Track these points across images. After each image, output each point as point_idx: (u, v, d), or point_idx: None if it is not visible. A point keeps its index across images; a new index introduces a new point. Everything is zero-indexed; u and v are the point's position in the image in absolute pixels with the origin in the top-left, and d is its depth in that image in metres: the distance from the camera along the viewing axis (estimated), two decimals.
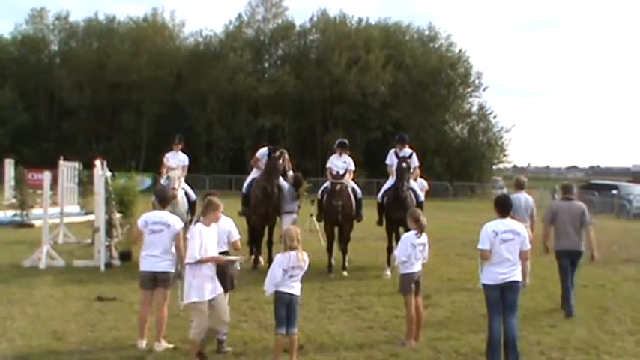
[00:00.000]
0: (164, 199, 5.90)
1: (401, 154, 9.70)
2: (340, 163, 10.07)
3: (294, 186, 10.25)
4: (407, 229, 6.36)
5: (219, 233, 5.57)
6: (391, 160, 10.05)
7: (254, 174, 10.63)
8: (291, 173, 10.51)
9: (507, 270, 5.41)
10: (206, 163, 36.89)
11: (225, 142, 37.99)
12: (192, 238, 5.20)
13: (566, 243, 7.56)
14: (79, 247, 11.23)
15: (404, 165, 9.37)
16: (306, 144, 38.86)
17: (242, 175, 30.97)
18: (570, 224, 7.57)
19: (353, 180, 10.27)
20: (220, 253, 5.64)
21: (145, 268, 5.70)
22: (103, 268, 9.43)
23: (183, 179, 10.01)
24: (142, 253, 5.77)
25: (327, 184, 10.15)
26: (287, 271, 5.23)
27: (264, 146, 10.53)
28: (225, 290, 5.67)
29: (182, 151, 11.04)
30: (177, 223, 5.70)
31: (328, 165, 10.35)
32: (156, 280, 5.66)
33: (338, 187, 9.47)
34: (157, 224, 5.66)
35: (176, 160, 10.61)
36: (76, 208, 14.87)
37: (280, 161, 9.86)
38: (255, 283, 8.07)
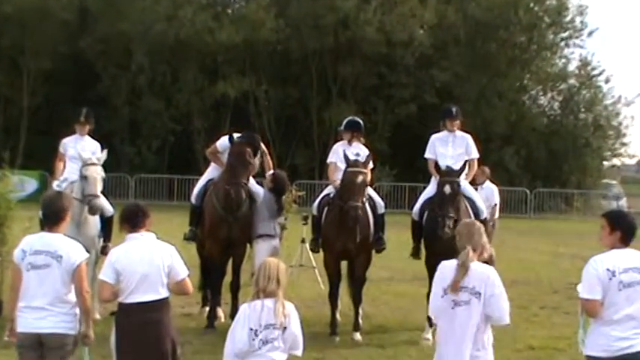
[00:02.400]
0: (55, 215, 5.89)
1: (449, 153, 9.87)
2: (350, 155, 10.15)
3: (275, 192, 10.30)
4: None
5: (151, 269, 5.72)
6: (433, 150, 10.20)
7: (210, 173, 10.73)
8: (270, 173, 10.59)
9: (630, 334, 5.45)
10: (131, 155, 36.96)
11: (163, 120, 37.96)
12: None
13: None
14: None
15: (447, 189, 9.48)
16: (295, 125, 38.93)
17: (190, 175, 30.74)
18: None
19: (370, 185, 10.37)
20: (153, 302, 5.69)
21: (23, 328, 5.73)
22: None
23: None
24: (18, 303, 5.80)
25: (330, 189, 10.27)
26: (257, 332, 5.28)
27: (227, 133, 10.65)
28: None
29: (90, 135, 11.03)
30: (75, 254, 5.77)
31: (331, 159, 10.48)
32: (42, 348, 5.66)
33: (358, 179, 9.54)
34: (41, 255, 5.71)
35: (79, 148, 10.60)
36: None
37: (251, 150, 9.93)
38: (210, 351, 8.08)
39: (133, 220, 5.89)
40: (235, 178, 9.73)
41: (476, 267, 5.51)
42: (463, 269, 5.46)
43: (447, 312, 5.51)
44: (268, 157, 10.88)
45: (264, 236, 10.11)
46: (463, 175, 9.95)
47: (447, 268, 5.70)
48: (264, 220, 10.11)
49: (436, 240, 9.64)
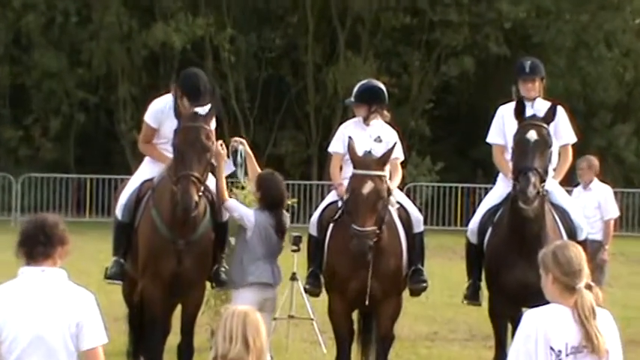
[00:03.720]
0: None
1: (527, 114, 9.92)
2: (368, 140, 10.40)
3: (269, 206, 10.09)
4: (537, 303, 6.16)
5: (50, 329, 5.75)
6: (501, 131, 10.33)
7: (145, 171, 10.86)
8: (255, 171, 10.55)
9: None
10: (14, 142, 37.21)
11: (66, 87, 37.87)
12: None
13: None
14: None
15: (531, 135, 9.60)
16: (280, 92, 39.10)
17: (111, 174, 30.88)
18: None
19: (400, 188, 10.82)
20: None
21: None
22: None
23: None
24: None
25: (334, 194, 10.69)
26: None
27: (165, 94, 10.80)
28: None
29: None
30: None
31: (335, 147, 10.86)
32: None
33: (365, 188, 9.54)
34: None
35: None
36: None
37: (207, 125, 9.81)
38: None
39: (32, 245, 5.75)
40: (185, 176, 9.52)
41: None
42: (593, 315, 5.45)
43: None
44: (253, 160, 10.67)
45: (256, 285, 9.90)
46: (551, 171, 9.92)
47: (547, 316, 5.63)
48: (256, 258, 9.92)
49: (507, 271, 9.65)
